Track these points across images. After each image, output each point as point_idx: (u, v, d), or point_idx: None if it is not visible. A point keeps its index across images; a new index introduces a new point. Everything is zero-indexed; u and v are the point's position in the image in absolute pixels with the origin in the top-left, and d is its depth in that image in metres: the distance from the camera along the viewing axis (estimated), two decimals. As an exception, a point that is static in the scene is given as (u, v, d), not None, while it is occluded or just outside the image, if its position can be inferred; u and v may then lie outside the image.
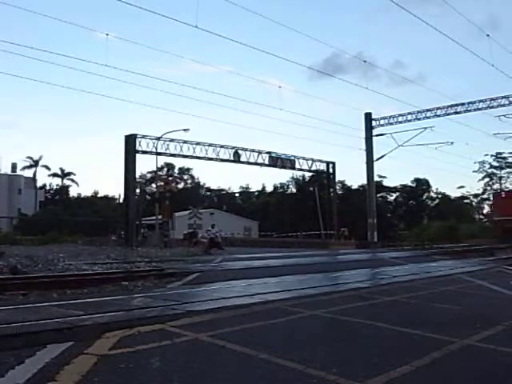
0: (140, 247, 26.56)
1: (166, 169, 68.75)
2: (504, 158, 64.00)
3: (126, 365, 3.87)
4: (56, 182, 68.37)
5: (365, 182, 41.31)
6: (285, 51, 51.56)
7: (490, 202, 54.31)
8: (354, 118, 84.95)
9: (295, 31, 77.12)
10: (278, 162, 36.74)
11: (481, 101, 33.12)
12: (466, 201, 72.71)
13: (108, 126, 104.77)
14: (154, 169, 47.32)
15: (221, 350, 4.42)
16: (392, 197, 69.32)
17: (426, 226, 49.15)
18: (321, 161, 39.94)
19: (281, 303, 7.10)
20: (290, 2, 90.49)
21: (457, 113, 34.37)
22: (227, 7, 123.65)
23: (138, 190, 38.48)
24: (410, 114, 35.85)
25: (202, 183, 76.74)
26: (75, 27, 78.96)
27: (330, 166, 40.46)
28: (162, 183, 48.18)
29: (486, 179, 67.26)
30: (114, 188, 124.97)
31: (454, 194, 71.44)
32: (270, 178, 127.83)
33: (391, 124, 36.95)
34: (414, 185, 68.67)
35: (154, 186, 55.22)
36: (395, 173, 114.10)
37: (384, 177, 60.10)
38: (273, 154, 36.25)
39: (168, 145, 30.98)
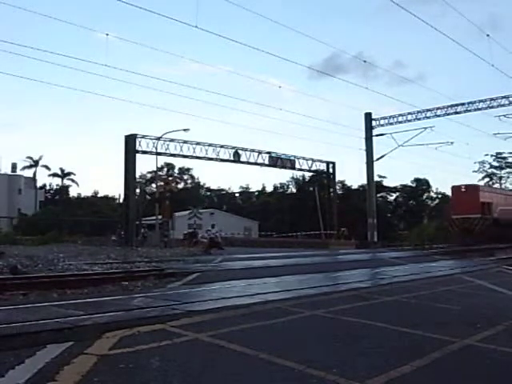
0: (140, 247, 26.55)
1: (165, 169, 68.74)
2: (504, 158, 64.07)
3: (126, 365, 3.87)
4: (56, 182, 68.42)
5: (365, 181, 41.33)
6: (285, 51, 51.73)
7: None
8: (354, 118, 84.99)
9: (295, 31, 77.08)
10: (277, 161, 36.73)
11: (481, 101, 33.13)
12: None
13: (108, 126, 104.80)
14: (154, 169, 47.33)
15: (221, 350, 4.42)
16: (392, 197, 69.34)
17: (426, 226, 49.04)
18: (321, 161, 39.95)
19: (281, 303, 7.10)
20: (289, 2, 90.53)
21: (457, 113, 34.38)
22: (227, 7, 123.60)
23: (138, 190, 38.45)
24: (410, 113, 35.87)
25: (202, 183, 76.81)
26: (75, 27, 78.89)
27: (330, 166, 40.45)
28: (162, 183, 48.20)
29: (486, 179, 67.24)
30: (114, 188, 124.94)
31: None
32: (270, 178, 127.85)
33: (391, 124, 36.97)
34: (414, 185, 68.64)
35: (153, 185, 55.21)
36: (395, 173, 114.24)
37: (384, 177, 60.15)
38: (273, 154, 36.24)
39: (168, 145, 30.99)
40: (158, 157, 33.01)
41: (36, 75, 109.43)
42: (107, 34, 26.45)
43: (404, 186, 68.33)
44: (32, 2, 34.38)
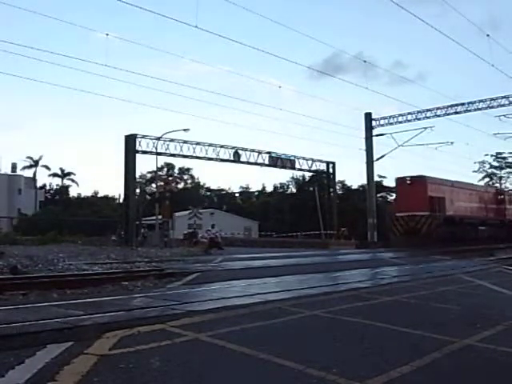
0: (140, 247, 26.54)
1: (165, 169, 68.73)
2: (504, 158, 64.11)
3: (126, 365, 3.87)
4: (56, 182, 68.47)
5: (365, 181, 41.30)
6: (285, 51, 51.66)
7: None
8: (354, 118, 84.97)
9: (295, 31, 77.12)
10: (278, 162, 36.72)
11: (481, 101, 33.13)
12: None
13: (108, 126, 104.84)
14: (154, 169, 47.31)
15: (221, 350, 4.42)
16: (392, 197, 69.27)
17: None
18: (321, 161, 39.94)
19: (281, 303, 7.10)
20: (289, 1, 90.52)
21: (457, 113, 34.37)
22: (227, 7, 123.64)
23: (138, 190, 38.50)
24: (410, 113, 35.86)
25: (202, 183, 76.79)
26: (75, 27, 78.90)
27: (330, 165, 40.44)
28: (162, 183, 48.25)
29: (486, 179, 67.26)
30: (114, 188, 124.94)
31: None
32: (270, 178, 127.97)
33: (391, 124, 36.96)
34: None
35: (153, 185, 55.24)
36: (395, 173, 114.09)
37: (384, 177, 60.03)
38: (273, 154, 36.23)
39: (168, 145, 30.98)
40: (158, 157, 33.01)
41: (36, 75, 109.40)
42: (107, 34, 26.56)
43: (404, 186, 68.20)
44: (32, 1, 34.42)
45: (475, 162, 65.10)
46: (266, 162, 35.81)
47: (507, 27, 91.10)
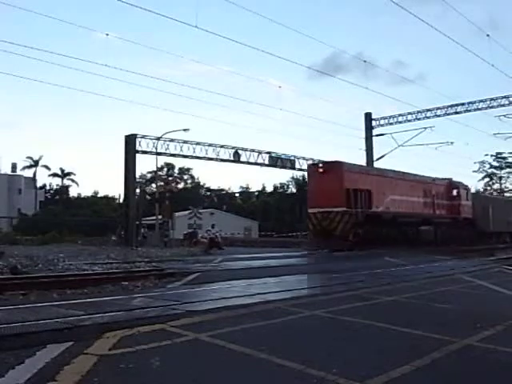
0: (140, 247, 26.54)
1: (166, 169, 68.78)
2: (504, 158, 64.23)
3: (126, 365, 3.87)
4: (56, 182, 68.52)
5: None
6: (285, 51, 51.68)
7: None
8: (354, 117, 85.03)
9: (295, 31, 77.25)
10: (278, 162, 36.70)
11: (481, 101, 33.16)
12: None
13: (108, 126, 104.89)
14: (154, 169, 47.35)
15: (221, 350, 4.42)
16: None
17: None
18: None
19: (281, 303, 7.10)
20: (289, 1, 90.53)
21: (457, 113, 34.41)
22: (227, 7, 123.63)
23: (138, 190, 38.44)
24: (410, 113, 35.90)
25: (202, 183, 76.82)
26: (75, 27, 78.98)
27: (330, 166, 40.43)
28: (162, 183, 48.22)
29: (486, 179, 67.38)
30: (114, 188, 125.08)
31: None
32: (270, 178, 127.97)
33: (391, 124, 37.01)
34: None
35: (153, 185, 55.23)
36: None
37: (384, 177, 60.06)
38: (273, 154, 36.21)
39: (168, 145, 30.96)
40: (158, 157, 33.02)
41: (36, 75, 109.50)
42: (107, 34, 26.61)
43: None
44: (32, 1, 34.41)
45: (475, 162, 65.29)
46: (266, 161, 35.79)
47: (507, 27, 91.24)
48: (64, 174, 65.26)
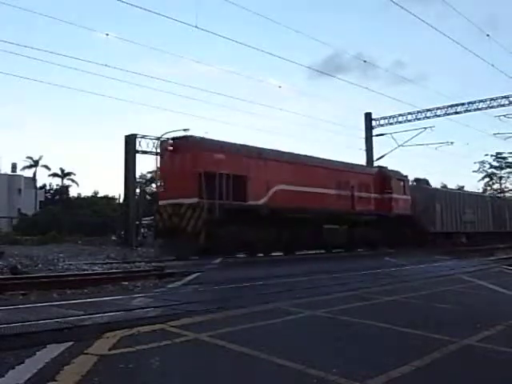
0: (140, 247, 26.54)
1: (166, 169, 68.56)
2: (504, 158, 64.25)
3: (126, 365, 3.87)
4: (56, 182, 68.36)
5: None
6: (285, 51, 51.70)
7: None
8: (354, 118, 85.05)
9: (295, 31, 77.29)
10: (277, 161, 36.63)
11: (481, 101, 33.15)
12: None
13: (108, 126, 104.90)
14: (154, 169, 47.23)
15: (221, 350, 4.42)
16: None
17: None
18: (321, 161, 39.89)
19: (281, 303, 7.10)
20: (289, 1, 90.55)
21: (457, 113, 34.40)
22: (227, 7, 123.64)
23: (137, 190, 38.43)
24: (410, 113, 35.88)
25: (202, 183, 76.50)
26: (75, 27, 79.01)
27: (330, 165, 40.39)
28: (162, 183, 48.03)
29: (486, 179, 67.40)
30: (114, 188, 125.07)
31: (454, 193, 71.46)
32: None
33: (391, 124, 36.98)
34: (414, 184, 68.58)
35: (153, 185, 55.16)
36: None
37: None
38: (273, 154, 36.16)
39: (168, 145, 30.92)
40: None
41: (36, 75, 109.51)
42: (107, 34, 26.66)
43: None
44: (32, 1, 34.42)
45: (475, 162, 65.35)
46: (266, 161, 35.74)
47: (507, 27, 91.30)
48: (64, 174, 65.18)
